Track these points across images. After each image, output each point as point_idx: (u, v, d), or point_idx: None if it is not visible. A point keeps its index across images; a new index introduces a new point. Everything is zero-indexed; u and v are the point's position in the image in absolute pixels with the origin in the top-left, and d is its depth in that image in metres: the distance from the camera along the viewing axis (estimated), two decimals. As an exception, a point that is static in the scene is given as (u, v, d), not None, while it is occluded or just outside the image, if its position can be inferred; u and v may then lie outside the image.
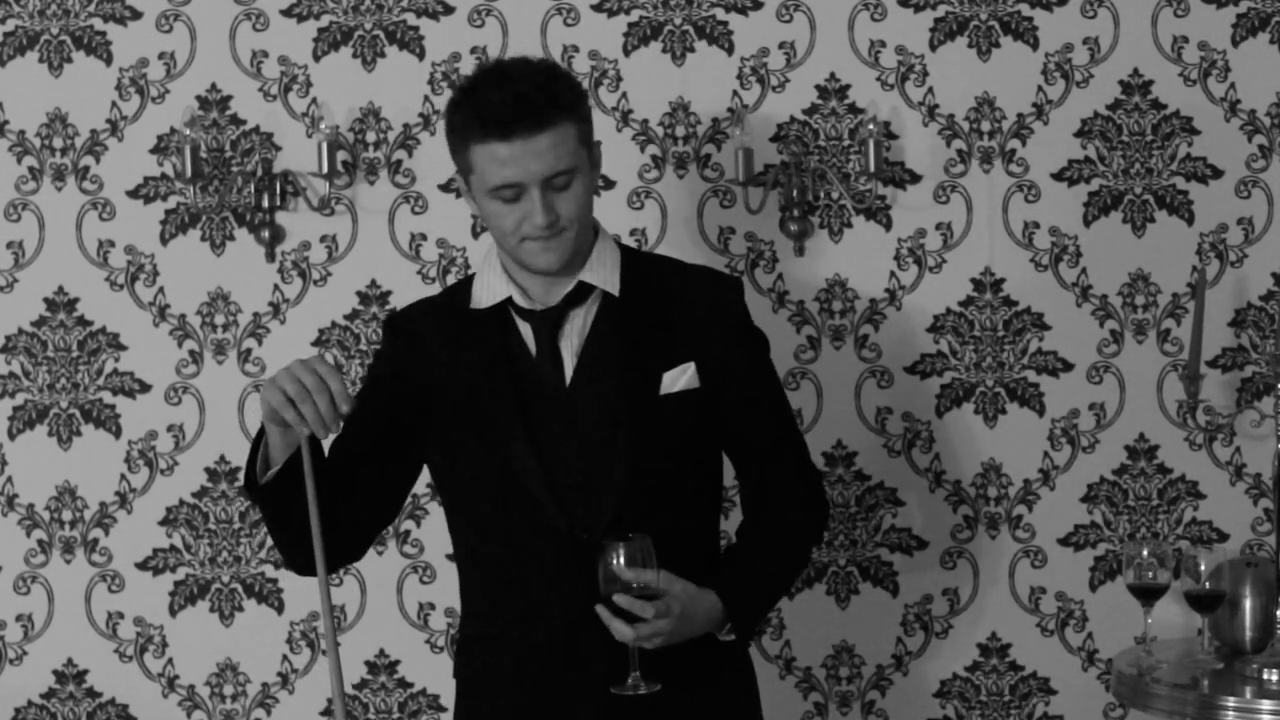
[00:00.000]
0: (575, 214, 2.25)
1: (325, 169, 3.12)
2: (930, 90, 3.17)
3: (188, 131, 3.12)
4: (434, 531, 3.16)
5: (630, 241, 3.15)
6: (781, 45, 3.18)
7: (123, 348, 3.23)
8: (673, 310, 2.34)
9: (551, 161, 2.21)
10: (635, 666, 2.20)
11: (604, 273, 2.32)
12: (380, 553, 3.20)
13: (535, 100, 2.20)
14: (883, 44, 3.17)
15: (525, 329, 2.33)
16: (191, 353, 3.22)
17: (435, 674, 3.20)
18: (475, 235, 3.20)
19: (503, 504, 2.30)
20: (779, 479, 2.41)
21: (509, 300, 2.33)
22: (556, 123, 2.21)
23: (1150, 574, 2.90)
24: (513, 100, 2.20)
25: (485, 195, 2.25)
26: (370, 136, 3.20)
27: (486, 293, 2.35)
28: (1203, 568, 2.86)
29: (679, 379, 2.31)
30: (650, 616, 2.16)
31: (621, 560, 2.16)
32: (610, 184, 3.18)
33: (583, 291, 2.32)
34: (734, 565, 2.36)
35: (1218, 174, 3.16)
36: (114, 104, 3.22)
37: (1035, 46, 3.16)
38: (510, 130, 2.19)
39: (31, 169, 3.23)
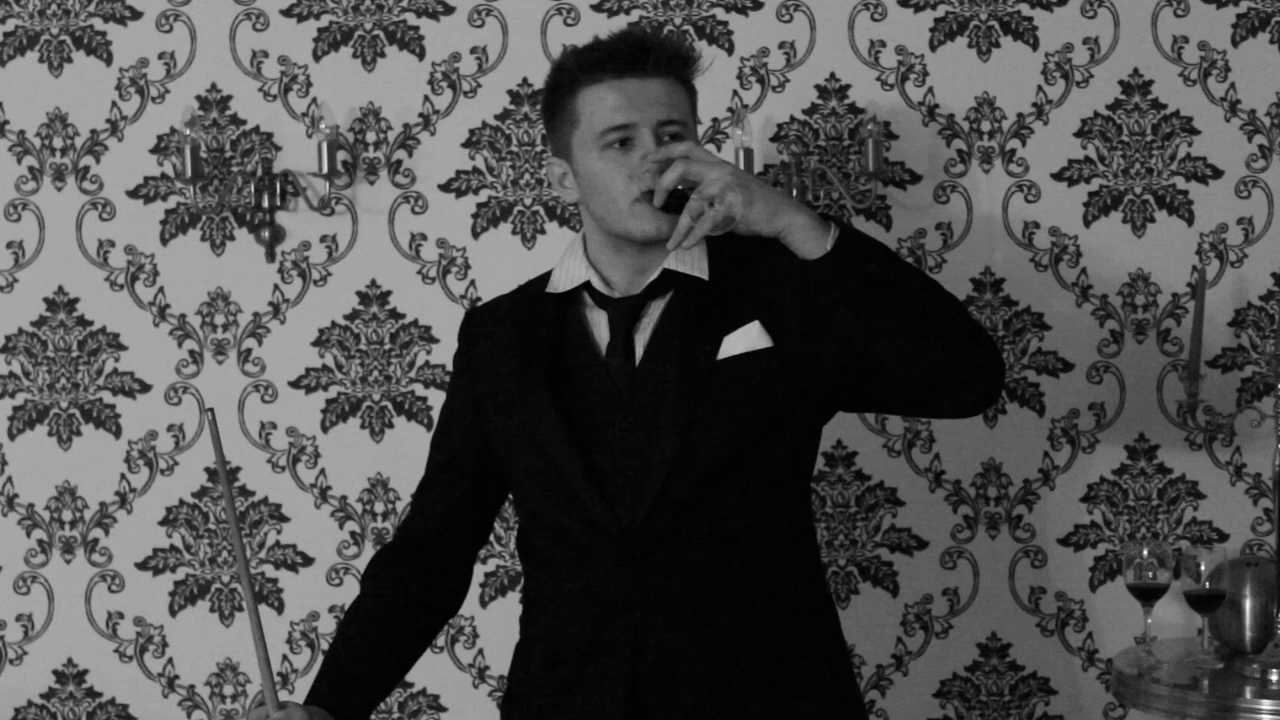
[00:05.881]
0: None
1: (325, 169, 3.12)
2: (930, 90, 3.17)
3: (188, 131, 3.12)
4: (434, 531, 3.16)
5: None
6: (781, 45, 3.18)
7: (123, 348, 3.23)
8: (748, 280, 2.17)
9: (667, 108, 2.10)
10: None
11: (691, 260, 2.18)
12: (380, 553, 3.20)
13: (655, 46, 2.11)
14: (883, 44, 3.17)
15: (600, 317, 2.20)
16: (191, 353, 3.23)
17: (435, 674, 3.20)
18: (475, 235, 3.20)
19: (549, 498, 2.19)
20: None
21: (587, 287, 2.21)
22: (670, 75, 2.12)
23: (1150, 574, 2.90)
24: (632, 41, 2.12)
25: (593, 149, 2.12)
26: (370, 136, 3.20)
27: (565, 277, 2.22)
28: (1203, 568, 2.86)
29: (740, 341, 2.13)
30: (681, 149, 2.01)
31: None
32: (610, 184, 3.18)
33: (666, 283, 2.18)
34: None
35: (1218, 174, 3.16)
36: (114, 104, 3.22)
37: (1035, 46, 3.16)
38: (623, 68, 2.10)
39: (31, 169, 3.23)
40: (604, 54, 2.12)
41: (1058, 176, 3.17)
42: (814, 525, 2.27)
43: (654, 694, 2.13)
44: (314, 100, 3.20)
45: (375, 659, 2.22)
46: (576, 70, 2.14)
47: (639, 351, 2.17)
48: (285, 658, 3.22)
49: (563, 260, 2.26)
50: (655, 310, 2.19)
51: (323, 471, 3.23)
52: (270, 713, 2.07)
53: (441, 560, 2.30)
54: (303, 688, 3.21)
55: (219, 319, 3.22)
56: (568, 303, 2.23)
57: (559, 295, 2.23)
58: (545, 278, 2.29)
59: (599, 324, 2.21)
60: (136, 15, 3.21)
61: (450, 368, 3.18)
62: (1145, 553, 2.90)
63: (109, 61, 3.22)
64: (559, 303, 2.23)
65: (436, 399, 3.19)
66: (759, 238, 2.13)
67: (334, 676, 2.19)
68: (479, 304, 2.37)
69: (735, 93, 3.18)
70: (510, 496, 2.34)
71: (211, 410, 2.12)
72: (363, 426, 3.22)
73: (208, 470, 3.23)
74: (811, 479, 2.28)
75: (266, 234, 3.20)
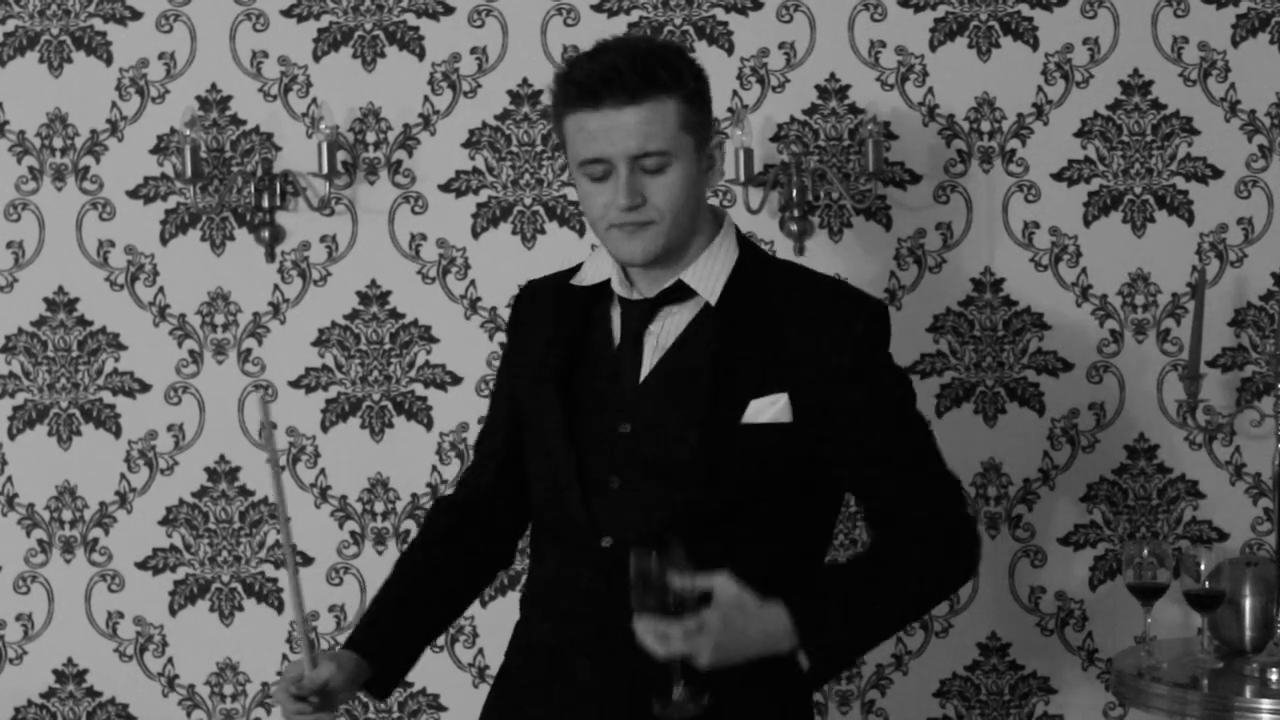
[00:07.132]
0: (667, 205, 2.08)
1: (325, 169, 3.12)
2: (930, 90, 3.17)
3: (188, 131, 3.12)
4: (434, 531, 3.16)
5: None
6: (781, 45, 3.18)
7: (123, 348, 3.23)
8: (781, 329, 2.10)
9: (641, 139, 2.04)
10: (677, 681, 1.95)
11: (708, 277, 2.14)
12: (380, 552, 3.20)
13: (627, 72, 2.04)
14: (883, 44, 3.17)
15: (617, 315, 2.19)
16: (191, 353, 3.23)
17: (435, 674, 3.20)
18: (475, 235, 3.20)
19: (543, 485, 2.21)
20: (908, 523, 2.12)
21: (609, 283, 2.20)
22: (650, 98, 2.04)
23: (1150, 574, 2.89)
24: (604, 69, 2.05)
25: (579, 174, 2.11)
26: (370, 136, 3.20)
27: (592, 270, 2.22)
28: (1203, 568, 2.86)
29: (766, 409, 2.08)
30: (676, 634, 1.91)
31: (644, 571, 1.92)
32: (610, 184, 3.18)
33: (685, 291, 2.15)
34: (817, 586, 2.08)
35: (1218, 174, 3.16)
36: (114, 104, 3.22)
37: (1035, 46, 3.16)
38: (598, 99, 2.04)
39: (31, 169, 3.23)
40: (576, 85, 2.09)
41: (1058, 176, 3.17)
42: (813, 563, 2.22)
43: (621, 702, 2.10)
44: (314, 100, 3.20)
45: (417, 610, 2.25)
46: (560, 98, 2.13)
47: (646, 357, 2.16)
48: (285, 657, 3.22)
49: (594, 253, 2.27)
50: (670, 317, 2.17)
51: (323, 471, 3.23)
52: (306, 670, 2.08)
53: (493, 515, 2.32)
54: (303, 688, 3.22)
55: (219, 319, 3.22)
56: (597, 296, 2.23)
57: (588, 287, 2.23)
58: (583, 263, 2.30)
59: (618, 321, 2.20)
60: (136, 15, 3.21)
61: (450, 367, 3.20)
62: (1145, 552, 2.90)
63: (109, 61, 3.22)
64: (590, 294, 2.23)
65: (437, 399, 3.20)
66: (783, 270, 2.22)
67: (374, 625, 2.22)
68: (538, 277, 2.38)
69: (735, 93, 3.18)
70: None
71: (264, 390, 2.15)
72: (363, 426, 3.22)
73: (208, 470, 3.23)
74: (827, 524, 2.24)
75: (266, 234, 3.20)
